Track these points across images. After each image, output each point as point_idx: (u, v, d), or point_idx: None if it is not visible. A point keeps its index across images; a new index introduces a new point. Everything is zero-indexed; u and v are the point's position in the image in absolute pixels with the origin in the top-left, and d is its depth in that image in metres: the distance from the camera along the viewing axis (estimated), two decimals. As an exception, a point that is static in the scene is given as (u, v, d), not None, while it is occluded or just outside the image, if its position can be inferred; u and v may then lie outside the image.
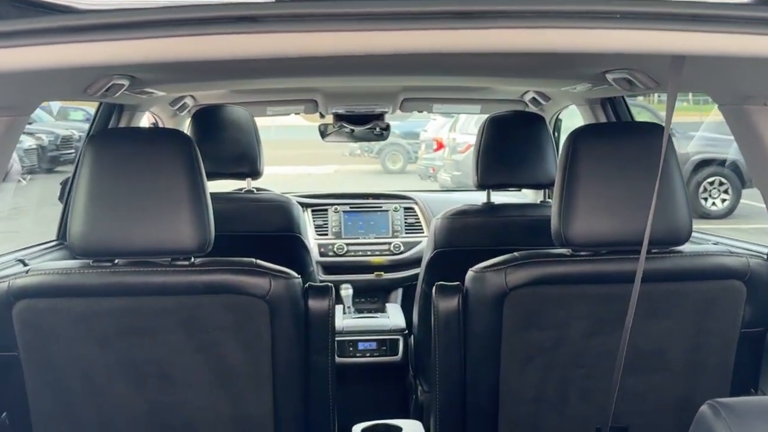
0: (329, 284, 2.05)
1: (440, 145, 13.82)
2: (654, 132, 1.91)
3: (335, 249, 4.06)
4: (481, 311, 1.97)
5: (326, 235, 4.12)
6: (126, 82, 2.31)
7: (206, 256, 1.90)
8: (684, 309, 1.93)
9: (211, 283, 1.86)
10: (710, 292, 1.92)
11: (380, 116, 3.74)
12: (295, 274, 1.95)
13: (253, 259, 1.92)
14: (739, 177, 12.12)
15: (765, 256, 2.04)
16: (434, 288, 2.06)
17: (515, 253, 1.98)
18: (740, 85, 1.89)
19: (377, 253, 4.10)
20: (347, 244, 4.08)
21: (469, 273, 2.01)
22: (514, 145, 2.87)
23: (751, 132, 1.93)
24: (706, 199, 12.12)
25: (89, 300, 1.84)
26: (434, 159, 13.99)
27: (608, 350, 1.96)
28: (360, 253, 4.09)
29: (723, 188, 12.17)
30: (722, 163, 12.03)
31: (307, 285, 2.01)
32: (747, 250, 2.11)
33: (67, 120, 24.54)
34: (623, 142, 1.91)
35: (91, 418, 1.92)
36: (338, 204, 4.21)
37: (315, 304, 1.98)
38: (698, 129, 13.18)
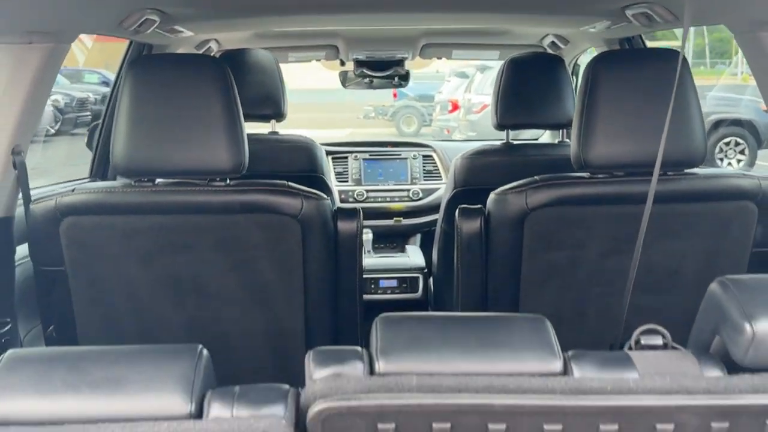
0: (357, 208, 2.14)
1: (455, 107, 13.82)
2: (671, 57, 1.97)
3: (355, 195, 4.16)
4: (503, 232, 2.06)
5: (346, 181, 4.21)
6: (157, 18, 2.39)
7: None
8: (698, 229, 2.01)
9: (246, 202, 1.96)
10: (723, 213, 2.00)
11: (400, 62, 3.80)
12: (325, 196, 2.04)
13: (286, 182, 2.02)
14: (755, 137, 12.07)
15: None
16: (458, 211, 2.15)
17: (535, 177, 2.06)
18: (756, 10, 1.94)
19: (396, 199, 4.19)
20: (367, 191, 4.17)
21: (491, 195, 2.10)
22: (534, 85, 2.93)
23: (766, 58, 1.99)
24: (722, 159, 12.09)
25: (131, 217, 1.95)
26: (449, 120, 14.00)
27: (624, 269, 2.04)
28: (379, 199, 4.18)
29: (739, 149, 12.12)
30: (737, 122, 11.98)
31: (336, 207, 2.11)
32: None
33: (81, 83, 24.64)
34: (641, 66, 1.97)
35: (133, 331, 2.03)
36: (358, 152, 4.30)
37: (344, 225, 2.08)
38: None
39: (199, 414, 1.08)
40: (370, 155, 4.30)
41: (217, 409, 1.09)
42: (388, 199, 4.19)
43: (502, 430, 1.10)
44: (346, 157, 4.29)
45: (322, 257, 2.02)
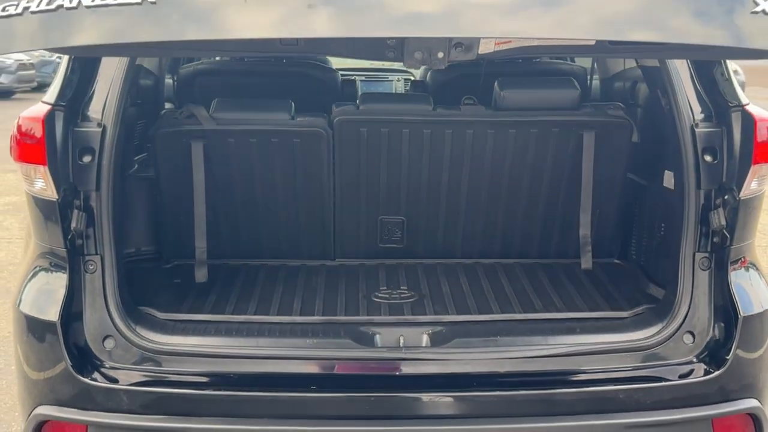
0: (354, 78, 4.01)
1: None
2: None
3: (356, 103, 6.05)
4: None
5: (350, 94, 6.10)
6: None
7: None
8: None
9: (297, 72, 3.84)
10: None
11: None
12: (336, 70, 3.92)
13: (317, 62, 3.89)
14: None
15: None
16: None
17: None
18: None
19: (384, 108, 6.09)
20: (364, 100, 6.06)
21: None
22: None
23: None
24: None
25: (232, 77, 3.82)
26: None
27: None
28: (372, 106, 6.08)
29: None
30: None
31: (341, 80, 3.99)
32: None
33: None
34: None
35: None
36: (357, 75, 6.18)
37: (345, 88, 3.97)
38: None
39: (293, 118, 2.97)
40: (366, 77, 6.18)
41: (299, 117, 2.97)
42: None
43: (408, 132, 2.97)
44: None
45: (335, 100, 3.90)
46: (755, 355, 2.41)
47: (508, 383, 2.34)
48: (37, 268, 2.38)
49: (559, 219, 3.14)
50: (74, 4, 1.56)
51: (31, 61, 17.84)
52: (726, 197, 2.43)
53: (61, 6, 1.55)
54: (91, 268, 2.35)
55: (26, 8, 1.54)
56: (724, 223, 2.41)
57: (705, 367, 2.37)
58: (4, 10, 1.56)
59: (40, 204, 2.34)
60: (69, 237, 2.30)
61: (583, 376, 2.39)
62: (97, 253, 2.35)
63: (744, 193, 2.41)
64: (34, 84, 18.13)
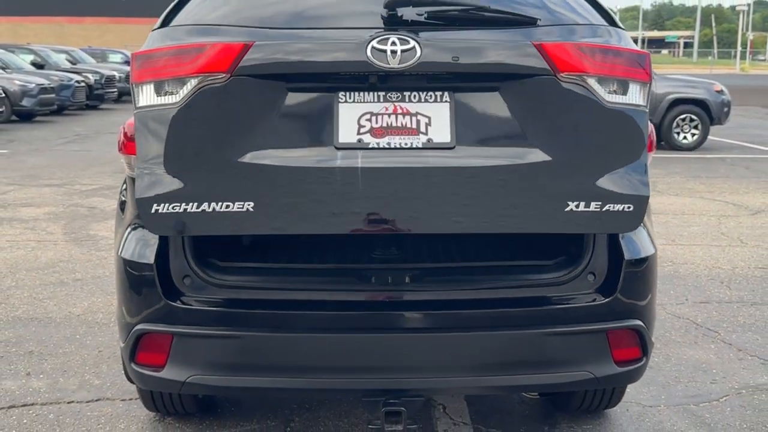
0: None
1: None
2: None
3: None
4: None
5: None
6: None
7: None
8: None
9: None
10: None
11: None
12: None
13: None
14: (708, 114, 14.78)
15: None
16: None
17: None
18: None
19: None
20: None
21: None
22: None
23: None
24: (678, 133, 14.78)
25: None
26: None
27: None
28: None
29: (693, 124, 14.78)
30: (692, 101, 14.70)
31: None
32: None
33: (107, 62, 27.73)
34: None
35: None
36: None
37: None
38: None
39: None
40: None
41: None
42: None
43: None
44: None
45: None
46: (639, 288, 3.45)
47: (466, 305, 3.41)
48: (136, 225, 3.47)
49: None
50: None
51: (51, 85, 19.01)
52: None
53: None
54: None
55: (185, 209, 3.02)
56: None
57: (602, 296, 3.44)
58: (173, 208, 3.02)
59: None
60: None
61: (519, 301, 3.46)
62: None
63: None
64: (54, 107, 19.33)
